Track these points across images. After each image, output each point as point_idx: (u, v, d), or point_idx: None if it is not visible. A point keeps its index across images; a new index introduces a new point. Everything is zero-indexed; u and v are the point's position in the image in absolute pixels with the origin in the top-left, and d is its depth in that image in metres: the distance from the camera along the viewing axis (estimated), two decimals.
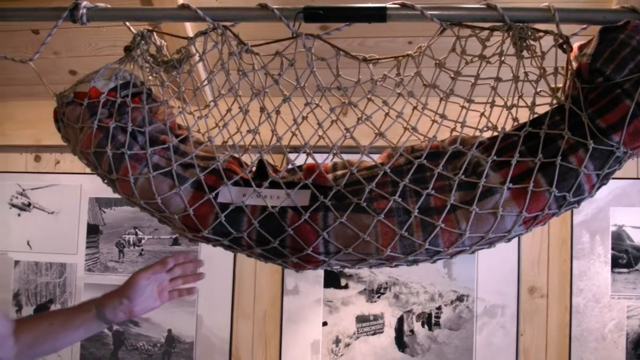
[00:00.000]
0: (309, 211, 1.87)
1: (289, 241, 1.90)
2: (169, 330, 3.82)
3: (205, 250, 3.76)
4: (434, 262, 1.94)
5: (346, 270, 3.60)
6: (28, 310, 4.04)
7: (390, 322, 3.60)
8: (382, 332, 3.60)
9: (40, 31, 3.47)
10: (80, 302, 2.18)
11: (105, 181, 2.12)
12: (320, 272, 3.63)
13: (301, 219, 1.87)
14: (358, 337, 3.61)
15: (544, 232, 3.57)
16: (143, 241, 3.87)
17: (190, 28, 2.86)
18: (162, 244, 3.83)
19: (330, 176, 1.96)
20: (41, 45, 2.23)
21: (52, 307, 3.99)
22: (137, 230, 3.87)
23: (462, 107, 2.01)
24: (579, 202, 1.84)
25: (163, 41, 2.27)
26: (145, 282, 2.24)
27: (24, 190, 4.10)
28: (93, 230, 3.97)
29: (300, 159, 2.03)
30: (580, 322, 3.50)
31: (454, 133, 2.12)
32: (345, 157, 2.01)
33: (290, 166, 2.02)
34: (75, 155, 2.20)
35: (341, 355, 3.62)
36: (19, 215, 4.10)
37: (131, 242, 3.90)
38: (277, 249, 1.92)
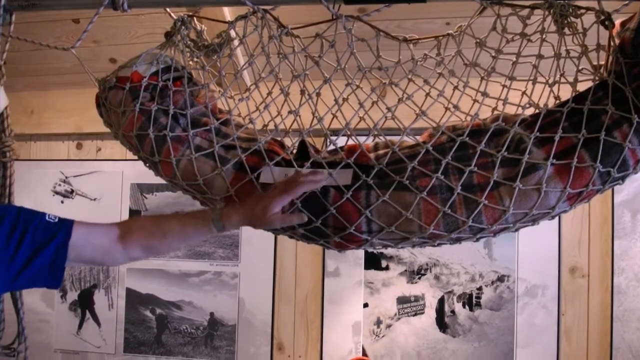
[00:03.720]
0: (352, 190, 1.88)
1: (332, 220, 1.91)
2: (212, 314, 3.85)
3: (246, 234, 3.80)
4: (477, 240, 1.94)
5: (386, 251, 3.60)
6: (72, 296, 4.10)
7: (431, 303, 3.60)
8: (423, 313, 3.60)
9: (81, 20, 3.50)
10: (197, 210, 2.10)
11: (147, 164, 2.14)
12: (360, 254, 3.64)
13: (343, 198, 1.88)
14: (399, 318, 3.61)
15: (584, 211, 3.55)
16: None
17: (228, 13, 2.87)
18: None
19: (372, 155, 1.96)
20: (83, 32, 2.25)
21: (96, 292, 4.05)
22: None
23: (504, 85, 2.00)
24: (623, 178, 1.83)
25: (203, 26, 2.29)
26: (276, 207, 1.95)
27: (66, 177, 4.14)
28: (135, 216, 4.01)
29: (340, 142, 2.03)
30: (621, 302, 3.47)
31: (496, 111, 2.11)
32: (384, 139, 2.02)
33: (332, 147, 2.02)
34: (118, 140, 2.23)
35: (383, 337, 3.62)
36: (62, 202, 4.14)
37: None
38: (319, 229, 1.93)
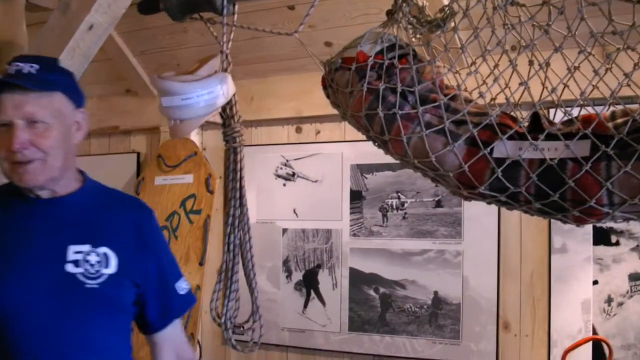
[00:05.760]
0: (590, 162, 1.81)
1: (570, 194, 1.84)
2: (435, 292, 3.84)
3: (469, 211, 3.75)
4: None
5: (616, 226, 3.45)
6: (297, 276, 4.23)
7: None
8: None
9: (296, 6, 3.58)
10: None
11: (377, 143, 2.15)
12: (589, 229, 3.50)
13: (582, 170, 1.81)
14: (632, 296, 3.45)
15: None
16: (406, 205, 3.91)
17: None
18: (425, 207, 3.85)
19: (610, 125, 1.88)
20: (305, 17, 2.31)
21: (320, 272, 4.17)
22: (399, 194, 3.91)
23: None
24: None
25: (425, 1, 2.27)
26: None
27: (287, 161, 4.26)
28: (356, 196, 4.07)
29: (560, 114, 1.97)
30: None
31: None
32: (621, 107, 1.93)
33: (566, 117, 1.95)
34: (345, 121, 2.25)
35: (614, 315, 3.48)
36: (284, 185, 4.28)
37: (394, 206, 3.95)
38: (557, 203, 1.87)
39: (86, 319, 2.16)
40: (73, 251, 2.16)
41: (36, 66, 2.15)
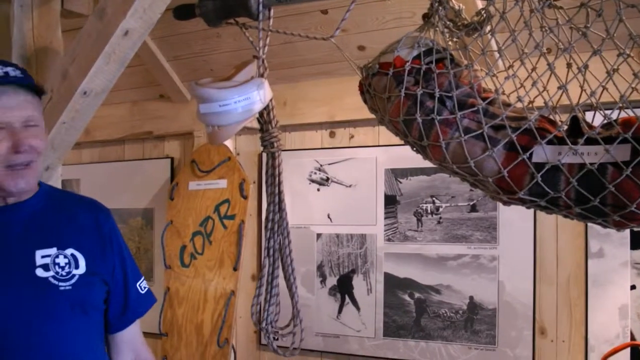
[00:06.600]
0: (631, 166, 1.79)
1: (610, 199, 1.82)
2: (471, 297, 3.82)
3: (505, 216, 3.72)
4: None
5: None
6: (331, 281, 4.23)
7: None
8: None
9: (329, 11, 3.57)
10: None
11: (415, 148, 2.14)
12: (626, 234, 3.46)
13: (623, 175, 1.79)
14: None
15: None
16: (441, 209, 3.89)
17: None
18: (459, 211, 3.83)
19: None
20: (341, 21, 2.31)
21: (355, 277, 4.16)
22: (434, 198, 3.89)
23: None
24: None
25: (461, 5, 2.26)
26: None
27: (321, 165, 4.26)
28: (390, 201, 4.06)
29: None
30: None
31: None
32: None
33: (605, 121, 1.93)
34: (383, 126, 2.24)
35: None
36: (318, 190, 4.27)
37: (429, 211, 3.93)
38: (597, 208, 1.85)
39: (64, 322, 2.18)
40: (40, 255, 2.17)
41: (19, 70, 2.17)
